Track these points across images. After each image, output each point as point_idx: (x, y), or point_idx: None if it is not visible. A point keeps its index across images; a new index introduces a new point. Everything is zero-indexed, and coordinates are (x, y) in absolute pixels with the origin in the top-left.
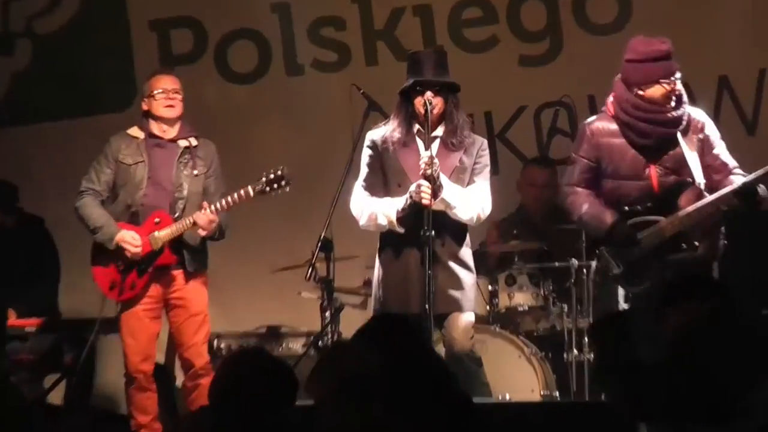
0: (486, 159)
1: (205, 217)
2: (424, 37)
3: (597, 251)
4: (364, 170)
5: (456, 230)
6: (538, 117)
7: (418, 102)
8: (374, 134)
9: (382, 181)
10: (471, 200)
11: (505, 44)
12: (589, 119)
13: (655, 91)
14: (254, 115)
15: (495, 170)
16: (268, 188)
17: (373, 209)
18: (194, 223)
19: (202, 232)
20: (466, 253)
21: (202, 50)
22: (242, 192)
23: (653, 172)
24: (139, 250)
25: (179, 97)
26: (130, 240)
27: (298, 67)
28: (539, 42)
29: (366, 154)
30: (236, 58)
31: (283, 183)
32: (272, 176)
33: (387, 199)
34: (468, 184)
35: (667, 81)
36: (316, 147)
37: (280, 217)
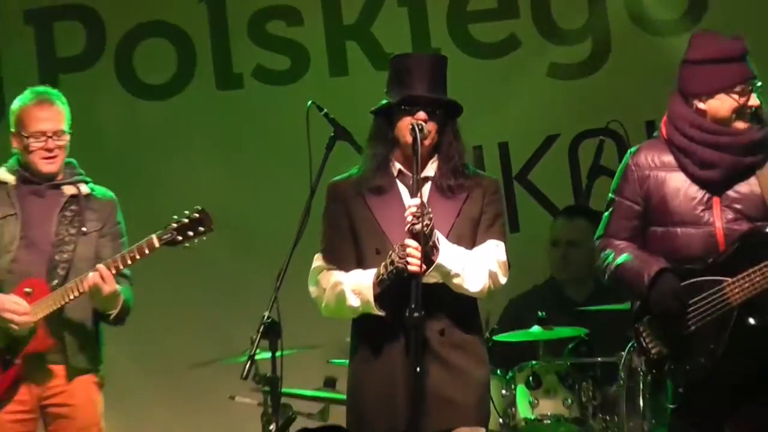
0: (499, 206)
1: (96, 279)
2: (414, 36)
3: (635, 327)
4: (326, 233)
5: (460, 309)
6: (574, 151)
7: (404, 126)
8: (339, 183)
9: (353, 248)
10: (479, 264)
11: (529, 47)
12: (635, 147)
13: (721, 104)
14: (171, 144)
15: (514, 225)
16: (180, 236)
17: (339, 287)
18: (81, 292)
19: (82, 294)
20: (475, 342)
21: (99, 52)
22: (144, 244)
23: (718, 215)
24: (27, 318)
25: (63, 143)
26: (11, 306)
27: (235, 78)
28: (577, 44)
29: (329, 210)
30: (146, 63)
31: (200, 229)
32: (185, 220)
33: (358, 272)
34: (475, 243)
35: (738, 90)
36: (259, 191)
37: (207, 289)
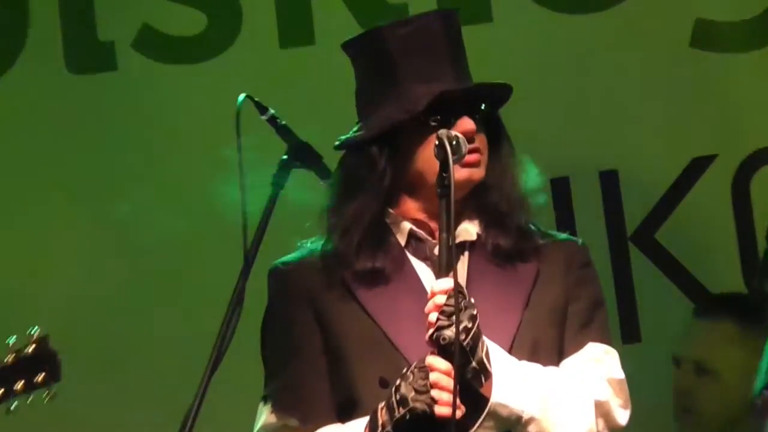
0: (597, 287)
1: None
2: None
3: None
4: (276, 362)
5: None
6: (743, 185)
7: (430, 151)
8: (293, 266)
9: (333, 386)
10: (576, 394)
11: None
12: None
13: None
14: None
15: (631, 327)
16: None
17: None
18: None
19: None
20: None
21: None
22: None
23: None
24: None
25: None
26: None
27: (102, 51)
28: None
29: (279, 316)
30: None
31: (37, 380)
32: (9, 358)
33: (334, 428)
34: (562, 355)
35: None
36: (152, 263)
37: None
